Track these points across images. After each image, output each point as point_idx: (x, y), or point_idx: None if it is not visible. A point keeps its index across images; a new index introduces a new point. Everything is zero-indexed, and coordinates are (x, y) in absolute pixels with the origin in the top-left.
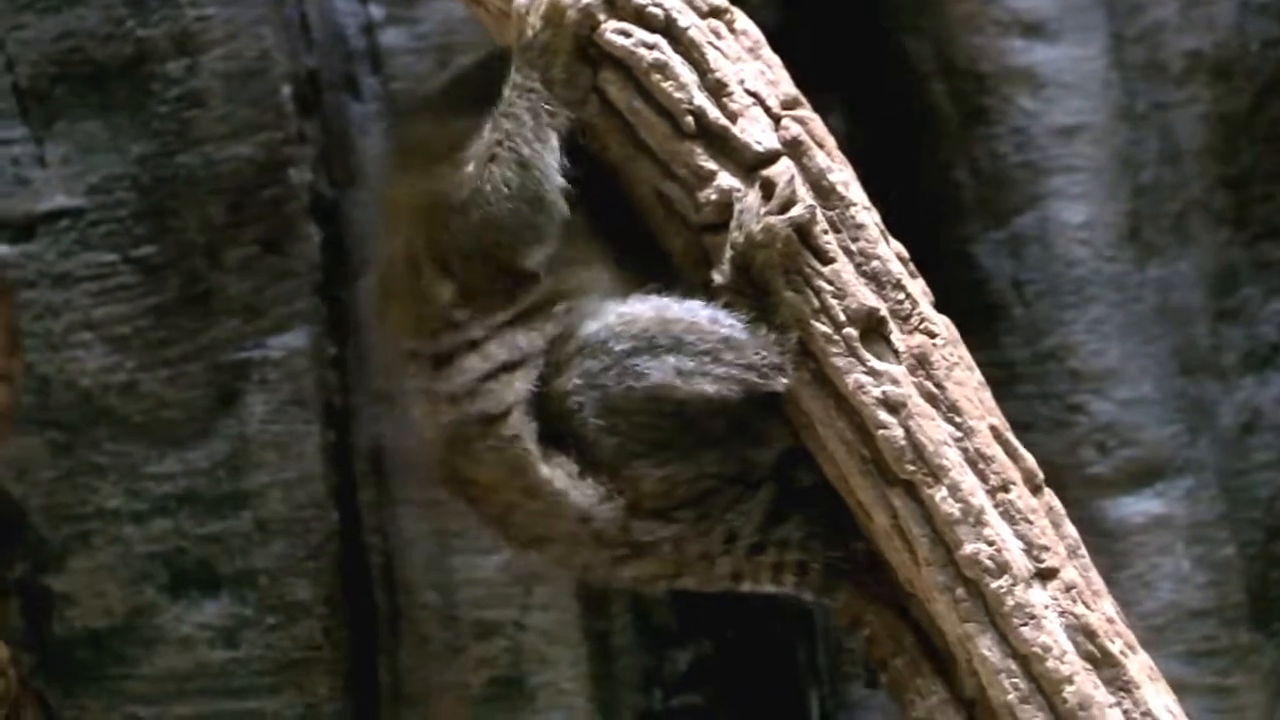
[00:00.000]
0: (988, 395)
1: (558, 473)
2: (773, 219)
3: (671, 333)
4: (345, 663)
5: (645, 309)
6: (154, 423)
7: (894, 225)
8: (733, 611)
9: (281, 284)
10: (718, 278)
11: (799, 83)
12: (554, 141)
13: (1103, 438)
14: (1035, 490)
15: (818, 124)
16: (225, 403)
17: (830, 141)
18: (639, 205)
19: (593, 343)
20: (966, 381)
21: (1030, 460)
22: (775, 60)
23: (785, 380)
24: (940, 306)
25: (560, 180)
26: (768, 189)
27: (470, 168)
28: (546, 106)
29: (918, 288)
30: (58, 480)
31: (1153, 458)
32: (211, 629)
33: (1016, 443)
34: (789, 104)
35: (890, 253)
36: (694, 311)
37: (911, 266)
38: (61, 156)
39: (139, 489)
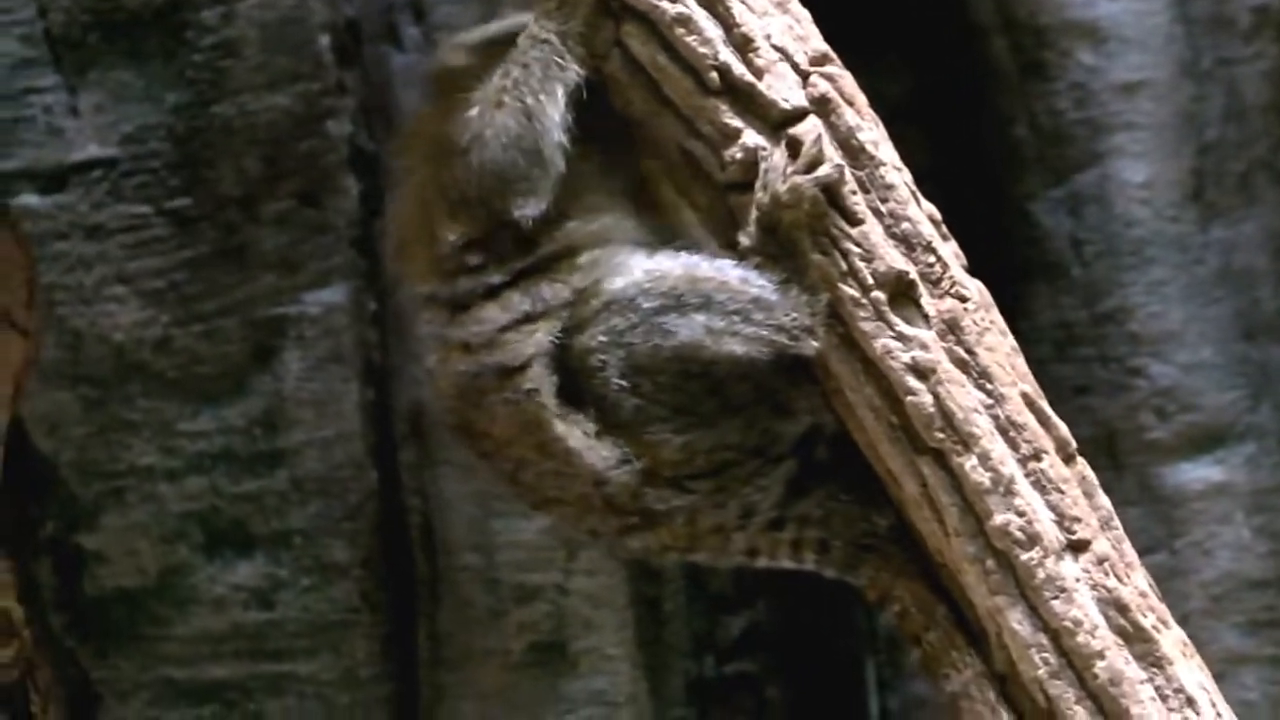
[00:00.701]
0: (1020, 361)
1: (574, 431)
2: (799, 179)
3: (701, 291)
4: (383, 626)
5: (674, 266)
6: (188, 379)
7: (953, 181)
8: (788, 578)
9: (319, 238)
10: (744, 239)
11: (857, 40)
12: (560, 95)
13: (1162, 402)
14: (1068, 459)
15: (847, 81)
16: (261, 359)
17: (860, 99)
18: (664, 163)
19: (620, 299)
20: (998, 347)
21: (1063, 429)
22: (804, 14)
23: (816, 343)
24: (998, 265)
25: (561, 136)
26: (794, 148)
27: (475, 111)
28: (558, 60)
29: (949, 250)
30: (90, 436)
31: (1213, 423)
32: (246, 590)
33: (1049, 410)
34: (817, 60)
35: (921, 214)
36: (724, 270)
37: (944, 229)
38: (94, 105)
39: (173, 446)
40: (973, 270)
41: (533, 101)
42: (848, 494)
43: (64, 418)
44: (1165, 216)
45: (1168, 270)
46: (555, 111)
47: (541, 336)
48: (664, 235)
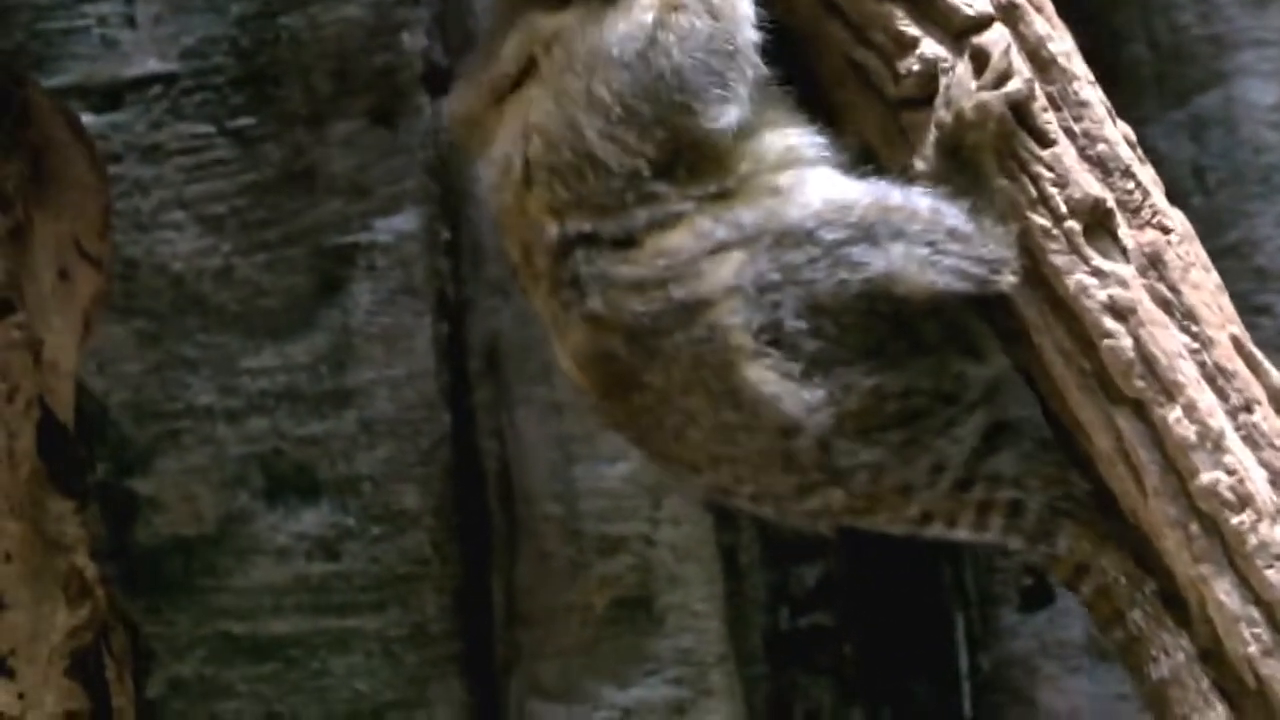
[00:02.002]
0: (1226, 301)
1: (767, 375)
2: (986, 94)
3: (892, 222)
4: (455, 579)
5: (860, 194)
6: (250, 312)
7: None
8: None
9: (391, 160)
10: (919, 163)
11: None
12: None
13: None
14: None
15: None
16: (328, 291)
17: (1049, 5)
18: (829, 76)
19: (796, 231)
20: (1203, 284)
21: (1275, 375)
22: None
23: (1013, 277)
24: None
25: (755, 33)
26: (980, 60)
27: (647, 15)
28: None
29: (1148, 175)
30: (145, 374)
31: None
32: (310, 539)
33: (1260, 356)
34: None
35: (1118, 135)
36: (913, 199)
37: (1139, 151)
38: (153, 16)
39: (233, 385)
40: None
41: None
42: (1045, 450)
43: (117, 354)
44: None
45: None
46: (746, 5)
47: (742, 265)
48: (847, 154)
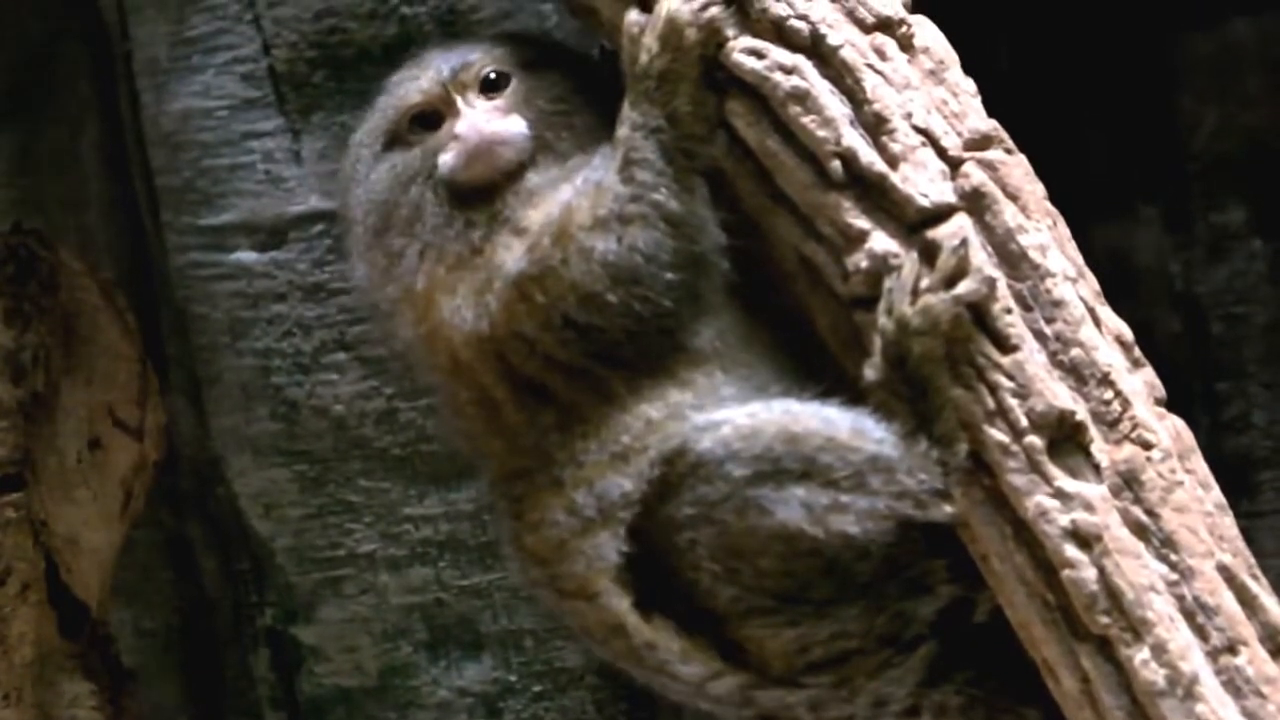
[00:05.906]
0: (1226, 523)
1: (660, 636)
2: (933, 298)
3: (801, 453)
4: None
5: (770, 418)
6: (413, 457)
7: None
8: None
9: None
10: (869, 372)
11: None
12: (703, 189)
13: None
14: (1277, 652)
15: (1015, 169)
16: None
17: (1030, 191)
18: (780, 270)
19: (708, 461)
20: (1190, 507)
21: (1275, 611)
22: (966, 86)
23: (950, 509)
24: None
25: (719, 235)
26: (930, 256)
27: (590, 239)
28: (683, 146)
29: (1136, 382)
30: (307, 519)
31: None
32: (472, 695)
33: (1258, 588)
34: (976, 143)
35: (1100, 337)
36: (831, 422)
37: (1135, 353)
38: (318, 152)
39: (395, 532)
40: None
41: (676, 206)
42: (993, 680)
43: (280, 497)
44: None
45: None
46: (705, 209)
47: (608, 549)
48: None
